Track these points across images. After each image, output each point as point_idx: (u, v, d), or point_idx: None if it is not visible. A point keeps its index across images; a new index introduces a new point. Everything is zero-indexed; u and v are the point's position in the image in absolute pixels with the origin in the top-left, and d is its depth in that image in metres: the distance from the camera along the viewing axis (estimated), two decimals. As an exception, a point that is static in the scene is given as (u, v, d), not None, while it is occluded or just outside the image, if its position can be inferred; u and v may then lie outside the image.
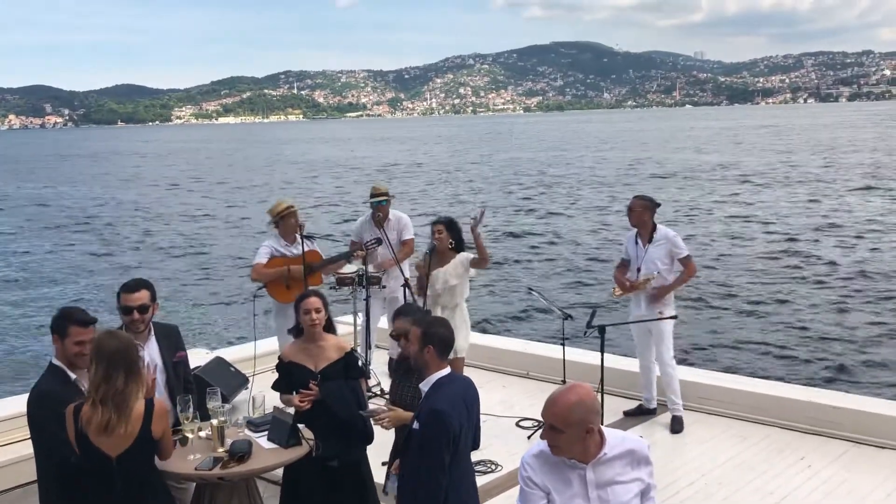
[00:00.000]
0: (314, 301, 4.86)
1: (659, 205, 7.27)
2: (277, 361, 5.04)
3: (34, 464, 4.29)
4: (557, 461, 3.29)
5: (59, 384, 4.18)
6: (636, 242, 7.20)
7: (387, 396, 5.42)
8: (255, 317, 7.39)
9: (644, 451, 3.38)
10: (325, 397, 4.76)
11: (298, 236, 7.45)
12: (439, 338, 4.02)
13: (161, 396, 4.56)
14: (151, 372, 4.45)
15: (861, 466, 6.13)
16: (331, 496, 4.79)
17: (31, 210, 39.13)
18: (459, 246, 7.12)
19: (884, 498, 5.65)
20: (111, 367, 3.79)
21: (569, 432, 3.18)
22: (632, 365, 7.58)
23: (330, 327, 5.00)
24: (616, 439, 3.34)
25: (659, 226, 7.14)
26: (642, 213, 7.11)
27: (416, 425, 3.90)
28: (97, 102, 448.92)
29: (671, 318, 7.00)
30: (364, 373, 5.19)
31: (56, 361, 4.26)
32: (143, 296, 4.67)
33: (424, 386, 4.02)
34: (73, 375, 4.22)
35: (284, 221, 7.45)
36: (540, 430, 6.63)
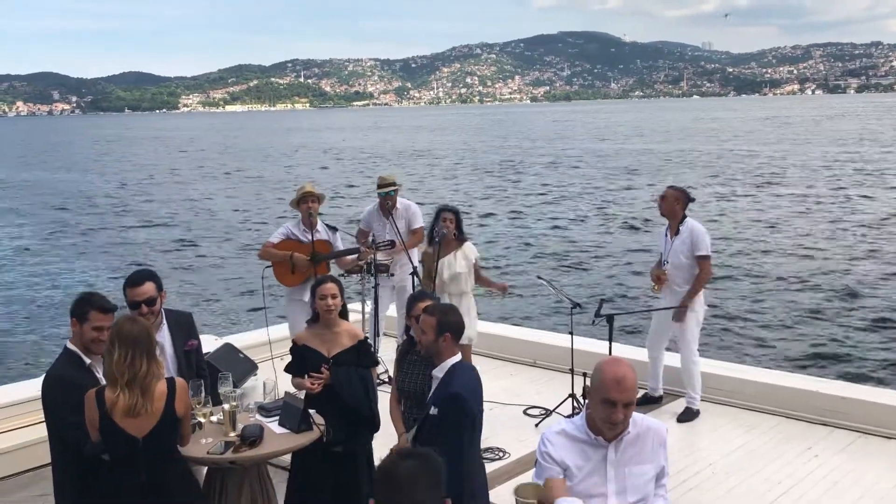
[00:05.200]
0: (331, 287, 4.90)
1: (693, 199, 7.19)
2: (291, 345, 5.08)
3: (46, 447, 4.32)
4: (580, 440, 3.35)
5: (74, 368, 4.20)
6: (665, 234, 7.18)
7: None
8: (266, 296, 7.57)
9: (662, 434, 3.44)
10: (335, 383, 4.80)
11: (320, 224, 7.50)
12: (455, 325, 4.12)
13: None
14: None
15: (868, 456, 6.15)
16: (337, 481, 4.83)
17: (38, 197, 39.19)
18: (462, 235, 7.28)
19: (891, 488, 5.66)
20: (134, 351, 3.82)
21: (635, 402, 3.28)
22: (640, 354, 7.60)
23: (344, 314, 5.04)
24: (637, 420, 3.38)
25: (688, 219, 7.06)
26: (673, 204, 7.03)
27: (433, 410, 3.96)
28: (104, 90, 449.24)
29: (670, 308, 7.00)
30: (376, 361, 5.23)
31: (71, 346, 4.28)
32: (148, 288, 4.62)
33: (439, 372, 4.09)
34: (87, 360, 4.24)
35: (300, 206, 7.50)
36: (547, 418, 6.72)
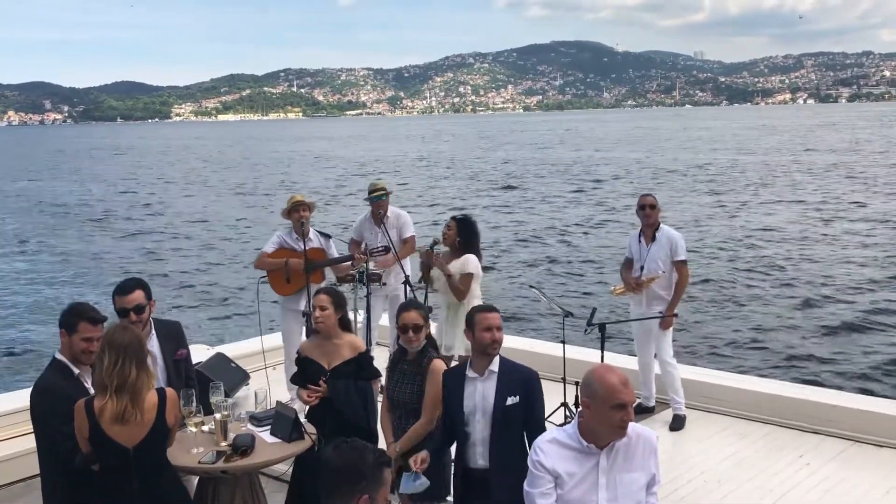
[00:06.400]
0: (321, 299, 4.88)
1: None
2: (296, 356, 5.08)
3: (36, 458, 4.30)
4: (572, 448, 3.37)
5: (63, 379, 4.19)
6: (639, 241, 7.21)
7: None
8: (260, 305, 7.55)
9: (653, 442, 3.46)
10: (332, 395, 4.79)
11: (313, 232, 7.48)
12: None
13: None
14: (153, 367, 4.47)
15: (859, 464, 6.15)
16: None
17: (28, 206, 39.11)
18: (467, 246, 6.86)
19: (882, 496, 5.67)
20: (123, 358, 3.82)
21: None
22: (632, 363, 7.60)
23: (346, 325, 5.01)
24: (628, 428, 3.39)
25: (662, 225, 7.16)
26: (658, 211, 7.14)
27: (511, 400, 4.11)
28: (96, 99, 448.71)
29: (671, 316, 7.01)
30: (376, 374, 5.16)
31: (60, 356, 4.27)
32: (137, 296, 4.63)
33: (493, 367, 4.23)
34: (76, 370, 4.23)
35: (291, 215, 7.48)
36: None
